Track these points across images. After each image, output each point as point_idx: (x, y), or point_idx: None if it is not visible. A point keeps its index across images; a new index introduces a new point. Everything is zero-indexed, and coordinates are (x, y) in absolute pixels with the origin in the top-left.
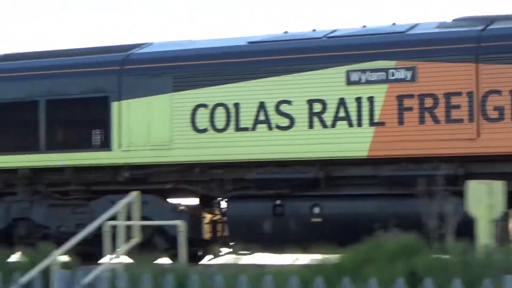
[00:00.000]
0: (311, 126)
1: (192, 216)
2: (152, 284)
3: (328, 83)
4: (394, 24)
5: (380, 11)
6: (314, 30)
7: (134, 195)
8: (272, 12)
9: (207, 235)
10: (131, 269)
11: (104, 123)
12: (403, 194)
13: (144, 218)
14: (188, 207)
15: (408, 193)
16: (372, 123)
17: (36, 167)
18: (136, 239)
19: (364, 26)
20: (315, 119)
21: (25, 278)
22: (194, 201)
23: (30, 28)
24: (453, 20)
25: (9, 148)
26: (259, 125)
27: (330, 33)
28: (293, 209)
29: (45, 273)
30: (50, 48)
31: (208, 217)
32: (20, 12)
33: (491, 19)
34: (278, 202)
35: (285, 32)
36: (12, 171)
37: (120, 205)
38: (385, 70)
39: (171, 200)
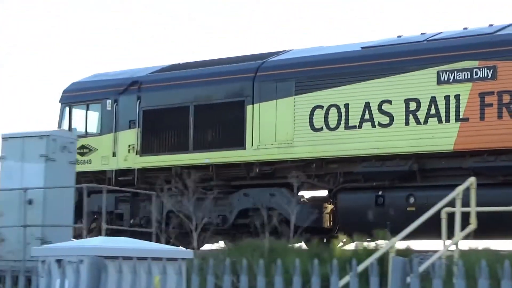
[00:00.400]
0: (407, 122)
1: (314, 207)
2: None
3: (422, 83)
4: (491, 25)
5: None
6: (422, 34)
7: (471, 181)
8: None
9: (326, 224)
10: (466, 256)
11: (240, 125)
12: (487, 184)
13: (270, 209)
14: (311, 199)
15: (491, 183)
16: (457, 119)
17: (186, 165)
18: (472, 226)
19: (465, 28)
20: (410, 116)
21: (362, 266)
22: (321, 193)
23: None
24: None
25: (166, 148)
26: (364, 123)
27: (431, 36)
28: (391, 199)
29: (381, 260)
30: (205, 58)
31: (329, 207)
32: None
33: None
34: (379, 193)
35: (398, 36)
36: (167, 169)
37: (456, 192)
38: (470, 69)
39: (301, 193)
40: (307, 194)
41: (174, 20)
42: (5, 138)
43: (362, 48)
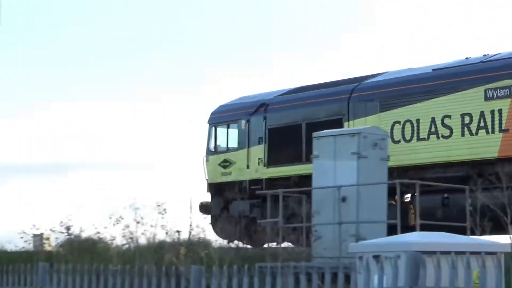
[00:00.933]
0: (462, 134)
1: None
2: None
3: (473, 99)
4: None
5: None
6: (484, 55)
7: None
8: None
9: (412, 221)
10: None
11: None
12: None
13: None
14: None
15: None
16: (500, 130)
17: (300, 175)
18: None
19: None
20: (465, 129)
21: None
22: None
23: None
24: None
25: (286, 161)
26: (431, 135)
27: (487, 58)
28: (454, 200)
29: None
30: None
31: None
32: None
33: None
34: (445, 195)
35: (466, 58)
36: (287, 178)
37: None
38: (509, 87)
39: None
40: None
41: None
42: (317, 138)
43: (432, 70)
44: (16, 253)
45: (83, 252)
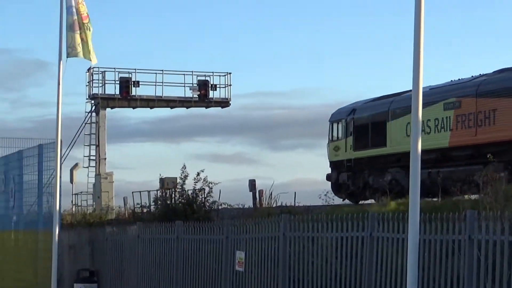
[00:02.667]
0: (434, 131)
1: None
2: None
3: (438, 110)
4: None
5: None
6: (451, 80)
7: None
8: None
9: None
10: None
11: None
12: None
13: None
14: None
15: None
16: (449, 129)
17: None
18: None
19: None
20: (435, 128)
21: None
22: None
23: None
24: None
25: (364, 147)
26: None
27: (445, 83)
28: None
29: None
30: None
31: None
32: None
33: None
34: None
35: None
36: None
37: None
38: (453, 103)
39: None
40: None
41: None
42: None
43: (430, 89)
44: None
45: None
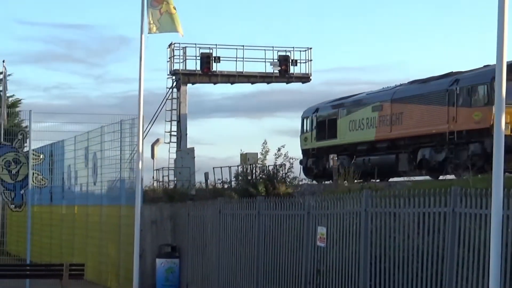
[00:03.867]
0: (367, 128)
1: None
2: None
3: (369, 111)
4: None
5: None
6: (382, 88)
7: None
8: None
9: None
10: None
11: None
12: None
13: None
14: None
15: None
16: (374, 126)
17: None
18: None
19: None
20: (367, 126)
21: None
22: None
23: None
24: None
25: (323, 138)
26: (357, 128)
27: (377, 90)
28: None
29: None
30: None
31: None
32: None
33: None
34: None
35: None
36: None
37: None
38: (377, 106)
39: None
40: None
41: None
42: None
43: (366, 94)
44: None
45: None
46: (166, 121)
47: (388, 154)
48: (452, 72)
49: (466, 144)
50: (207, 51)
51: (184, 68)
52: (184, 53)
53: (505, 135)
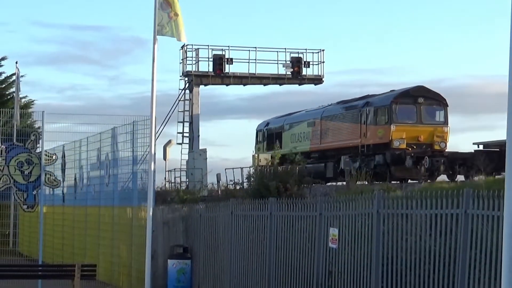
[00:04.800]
0: (304, 140)
1: None
2: None
3: (305, 126)
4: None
5: None
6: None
7: None
8: None
9: None
10: None
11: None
12: None
13: None
14: None
15: None
16: (309, 139)
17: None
18: None
19: None
20: (304, 138)
21: None
22: None
23: None
24: None
25: (272, 149)
26: (299, 140)
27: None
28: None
29: None
30: None
31: None
32: None
33: None
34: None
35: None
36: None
37: None
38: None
39: None
40: None
41: None
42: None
43: (305, 112)
44: None
45: None
46: (178, 122)
47: (319, 163)
48: (368, 95)
49: (373, 155)
50: (220, 52)
51: (196, 70)
52: (197, 54)
53: (400, 149)
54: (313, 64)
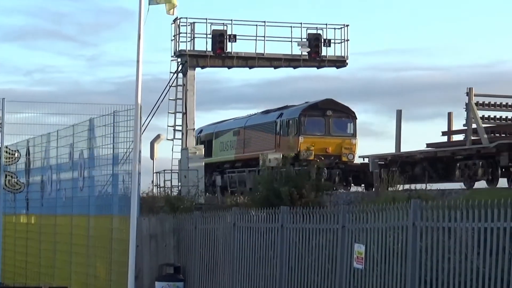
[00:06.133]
0: (230, 149)
1: None
2: None
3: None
4: None
5: None
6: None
7: None
8: None
9: None
10: None
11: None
12: None
13: None
14: None
15: None
16: (233, 149)
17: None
18: None
19: None
20: (232, 147)
21: None
22: None
23: None
24: None
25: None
26: (227, 148)
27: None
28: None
29: None
30: None
31: None
32: None
33: None
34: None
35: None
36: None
37: None
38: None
39: None
40: None
41: None
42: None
43: (233, 120)
44: None
45: None
46: (169, 113)
47: (242, 172)
48: (286, 105)
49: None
50: (221, 28)
51: (192, 49)
52: (192, 30)
53: (308, 160)
54: (335, 43)
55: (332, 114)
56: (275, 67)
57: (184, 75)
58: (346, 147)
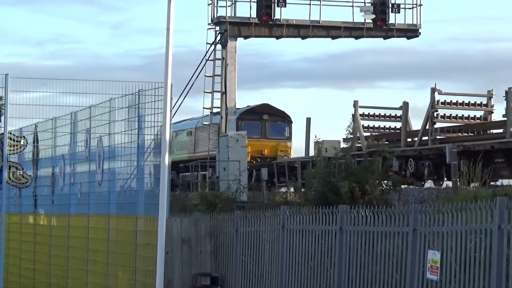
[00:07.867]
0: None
1: None
2: None
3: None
4: None
5: None
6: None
7: None
8: None
9: None
10: None
11: None
12: None
13: None
14: None
15: None
16: (189, 149)
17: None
18: None
19: None
20: (195, 146)
21: None
22: None
23: None
24: None
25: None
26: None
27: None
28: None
29: None
30: None
31: None
32: None
33: None
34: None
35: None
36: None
37: None
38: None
39: None
40: None
41: None
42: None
43: (189, 120)
44: None
45: None
46: (205, 92)
47: (194, 172)
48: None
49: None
50: None
51: (233, 15)
52: None
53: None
54: (405, 8)
55: (268, 118)
56: (333, 38)
57: (224, 46)
58: (281, 150)
